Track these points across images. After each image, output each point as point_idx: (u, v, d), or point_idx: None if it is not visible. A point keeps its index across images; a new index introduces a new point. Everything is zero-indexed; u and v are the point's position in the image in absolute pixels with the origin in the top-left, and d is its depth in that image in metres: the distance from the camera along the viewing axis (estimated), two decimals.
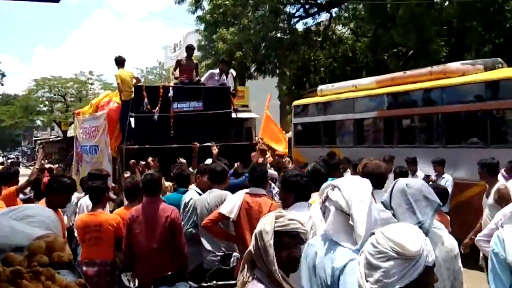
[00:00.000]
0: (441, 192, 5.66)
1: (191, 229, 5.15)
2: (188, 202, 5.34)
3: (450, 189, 8.06)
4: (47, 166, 14.08)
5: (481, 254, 5.17)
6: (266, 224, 2.27)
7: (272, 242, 2.23)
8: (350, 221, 2.60)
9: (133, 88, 9.62)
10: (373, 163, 3.84)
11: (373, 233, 2.14)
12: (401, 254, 1.95)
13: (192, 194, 5.50)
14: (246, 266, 2.35)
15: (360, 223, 2.56)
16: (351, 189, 2.70)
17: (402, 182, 2.86)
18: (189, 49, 10.77)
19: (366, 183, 2.76)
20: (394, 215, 2.78)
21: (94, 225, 4.95)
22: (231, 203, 4.55)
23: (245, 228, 4.42)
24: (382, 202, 2.89)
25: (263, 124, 11.14)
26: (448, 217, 5.74)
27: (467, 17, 15.01)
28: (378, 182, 3.47)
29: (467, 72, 9.80)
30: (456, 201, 8.81)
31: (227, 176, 5.58)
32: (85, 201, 6.13)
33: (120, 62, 9.86)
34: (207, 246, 4.91)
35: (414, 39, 14.73)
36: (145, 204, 4.82)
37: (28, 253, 2.76)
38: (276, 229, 2.27)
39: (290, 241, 2.30)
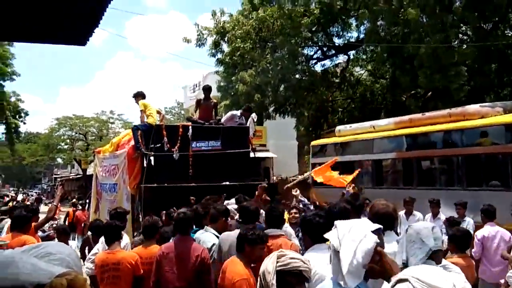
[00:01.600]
0: (463, 235, 5.58)
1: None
2: (211, 248, 5.21)
3: (471, 232, 7.90)
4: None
5: None
6: (268, 265, 2.28)
7: (274, 282, 2.22)
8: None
9: (157, 117, 9.80)
10: (381, 204, 3.81)
11: (403, 280, 2.11)
12: None
13: (211, 238, 5.32)
14: None
15: (344, 260, 2.53)
16: (346, 228, 2.70)
17: (412, 224, 3.00)
18: (206, 89, 10.94)
19: (366, 223, 2.73)
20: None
21: (113, 263, 4.93)
22: None
23: None
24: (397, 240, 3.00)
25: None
26: (473, 262, 5.64)
27: (485, 59, 15.06)
28: (386, 223, 3.44)
29: (487, 115, 9.77)
30: None
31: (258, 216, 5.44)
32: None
33: (140, 94, 10.07)
34: None
35: (437, 80, 14.77)
36: (176, 242, 4.81)
37: None
38: (278, 268, 2.28)
39: (292, 280, 2.28)
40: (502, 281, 5.57)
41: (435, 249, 2.90)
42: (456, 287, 2.01)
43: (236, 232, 5.04)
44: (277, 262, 2.32)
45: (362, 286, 2.55)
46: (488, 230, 6.94)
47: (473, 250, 7.51)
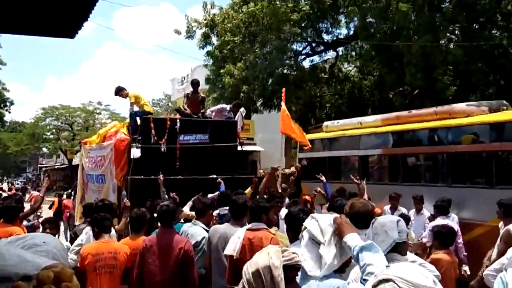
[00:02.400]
0: (448, 232, 5.68)
1: (201, 269, 5.07)
2: (201, 241, 5.25)
3: (456, 228, 8.05)
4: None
5: None
6: (274, 259, 2.19)
7: (282, 276, 2.16)
8: (320, 250, 2.70)
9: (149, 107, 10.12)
10: (360, 202, 3.85)
11: (386, 280, 2.14)
12: None
13: (200, 231, 5.38)
14: None
15: (329, 252, 2.65)
16: (328, 221, 2.81)
17: (377, 218, 3.03)
18: (194, 84, 10.94)
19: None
20: None
21: (109, 252, 4.89)
22: (233, 242, 4.55)
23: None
24: (364, 235, 3.02)
25: (281, 120, 10.26)
26: (456, 259, 5.74)
27: (472, 59, 15.23)
28: (363, 221, 3.51)
29: (472, 113, 9.88)
30: None
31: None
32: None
33: (122, 89, 10.20)
34: (219, 282, 4.79)
35: (422, 78, 14.92)
36: (159, 235, 4.82)
37: (36, 283, 2.78)
38: (284, 263, 2.24)
39: (293, 274, 2.28)
40: None
41: (399, 241, 2.96)
42: (436, 283, 2.06)
43: (225, 226, 5.09)
44: (282, 257, 2.30)
45: (332, 276, 2.64)
46: (438, 222, 7.57)
47: (424, 238, 7.83)
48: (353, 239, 2.62)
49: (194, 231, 5.32)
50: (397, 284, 2.03)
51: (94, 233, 5.27)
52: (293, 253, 2.37)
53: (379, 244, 2.75)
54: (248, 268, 2.17)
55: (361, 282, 2.47)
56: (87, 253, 4.87)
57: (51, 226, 5.16)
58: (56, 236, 5.56)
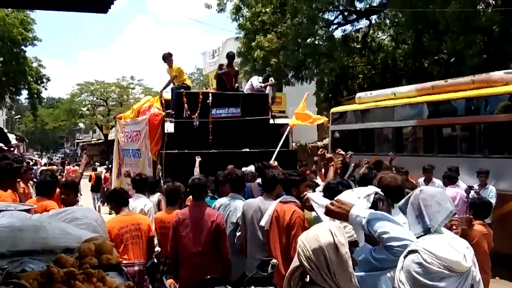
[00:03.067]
0: (484, 204, 5.58)
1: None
2: (219, 208, 5.35)
3: (494, 201, 7.92)
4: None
5: None
6: (339, 237, 2.08)
7: (349, 254, 2.09)
8: None
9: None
10: (389, 176, 3.77)
11: (413, 251, 2.13)
12: (456, 271, 1.97)
13: (239, 203, 5.40)
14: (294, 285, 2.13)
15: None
16: (365, 193, 2.82)
17: (418, 189, 2.86)
18: (229, 56, 10.93)
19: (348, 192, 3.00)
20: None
21: (132, 224, 5.02)
22: (268, 214, 4.66)
23: (272, 236, 4.51)
24: (399, 207, 2.91)
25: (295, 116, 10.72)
26: (491, 231, 5.65)
27: (510, 25, 14.60)
28: (394, 195, 3.45)
29: (511, 82, 9.57)
30: (498, 213, 8.59)
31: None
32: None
33: (171, 54, 10.53)
34: (255, 254, 4.85)
35: (462, 43, 14.41)
36: (191, 208, 4.92)
37: (78, 255, 2.91)
38: (348, 239, 2.14)
39: (352, 250, 2.19)
40: None
41: (454, 212, 2.85)
42: (466, 258, 2.03)
43: (258, 199, 5.16)
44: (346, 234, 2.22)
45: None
46: (449, 192, 7.97)
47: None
48: (359, 211, 2.60)
49: (237, 205, 5.38)
50: (421, 256, 2.04)
51: (113, 206, 5.39)
52: (351, 228, 2.30)
53: (434, 214, 2.63)
54: (306, 245, 2.07)
55: (386, 249, 2.44)
56: (112, 226, 4.96)
57: (65, 191, 5.25)
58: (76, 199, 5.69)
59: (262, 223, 4.63)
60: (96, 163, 23.87)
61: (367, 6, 21.16)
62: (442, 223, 2.65)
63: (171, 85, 10.64)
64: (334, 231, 2.09)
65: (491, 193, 8.31)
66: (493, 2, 16.26)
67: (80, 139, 64.44)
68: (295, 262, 2.11)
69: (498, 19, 14.38)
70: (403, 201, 2.89)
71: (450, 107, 11.01)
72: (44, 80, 35.24)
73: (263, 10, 19.45)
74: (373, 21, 21.90)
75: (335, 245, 2.04)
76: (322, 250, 2.03)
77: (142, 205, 5.76)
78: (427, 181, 9.23)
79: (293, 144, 22.16)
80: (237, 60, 21.52)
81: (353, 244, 2.14)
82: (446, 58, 18.22)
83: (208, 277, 4.07)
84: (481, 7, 15.34)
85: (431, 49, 16.83)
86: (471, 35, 14.31)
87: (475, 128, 10.24)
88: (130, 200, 6.01)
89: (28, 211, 3.50)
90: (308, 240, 2.09)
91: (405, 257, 2.23)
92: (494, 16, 14.54)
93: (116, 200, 5.28)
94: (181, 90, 10.20)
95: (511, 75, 9.75)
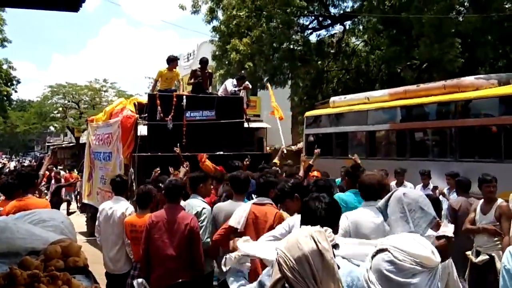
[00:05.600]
0: (432, 201, 5.66)
1: (208, 239, 5.07)
2: (201, 211, 5.25)
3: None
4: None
5: None
6: (323, 242, 1.94)
7: (334, 259, 2.00)
8: None
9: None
10: (367, 174, 3.87)
11: (382, 250, 2.11)
12: (427, 266, 1.96)
13: (200, 203, 5.33)
14: None
15: None
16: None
17: (400, 191, 2.84)
18: (203, 62, 10.82)
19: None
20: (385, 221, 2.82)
21: (139, 226, 5.10)
22: (238, 214, 4.56)
23: (252, 239, 4.45)
24: (376, 207, 2.90)
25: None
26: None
27: (483, 30, 14.93)
28: (369, 193, 3.62)
29: (481, 87, 9.76)
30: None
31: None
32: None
33: (168, 60, 10.39)
34: (224, 254, 4.79)
35: (436, 50, 14.67)
36: (166, 210, 4.83)
37: (44, 257, 2.81)
38: (331, 243, 2.06)
39: (333, 254, 2.11)
40: None
41: (436, 217, 2.85)
42: (434, 254, 2.03)
43: (228, 203, 5.11)
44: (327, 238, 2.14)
45: None
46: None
47: None
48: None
49: (194, 203, 5.30)
50: (392, 254, 2.02)
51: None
52: (330, 233, 2.23)
53: (418, 220, 2.64)
54: (287, 254, 1.96)
55: None
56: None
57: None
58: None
59: (233, 223, 4.53)
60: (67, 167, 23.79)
61: (341, 11, 21.41)
62: (426, 229, 2.67)
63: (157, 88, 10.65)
64: (316, 236, 1.99)
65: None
66: (464, 10, 16.61)
67: (51, 142, 63.20)
68: (276, 274, 2.00)
69: (471, 25, 14.66)
70: (382, 201, 2.87)
71: (422, 112, 11.17)
72: (14, 82, 34.50)
73: (238, 14, 19.42)
74: (347, 27, 22.15)
75: (320, 251, 1.95)
76: (306, 258, 1.94)
77: (123, 208, 5.59)
78: (399, 184, 9.32)
79: (268, 148, 22.24)
80: (212, 63, 21.48)
81: (334, 247, 2.09)
82: (419, 64, 18.53)
83: (180, 280, 4.00)
84: (453, 14, 15.60)
85: (404, 55, 17.08)
86: (448, 40, 14.55)
87: (446, 132, 10.41)
88: (109, 202, 5.90)
89: None
90: (289, 249, 1.99)
91: (373, 256, 2.19)
92: (466, 23, 14.85)
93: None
94: (155, 93, 10.10)
95: (482, 81, 9.96)
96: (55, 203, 9.37)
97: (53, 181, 17.15)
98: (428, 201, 2.80)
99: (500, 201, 5.80)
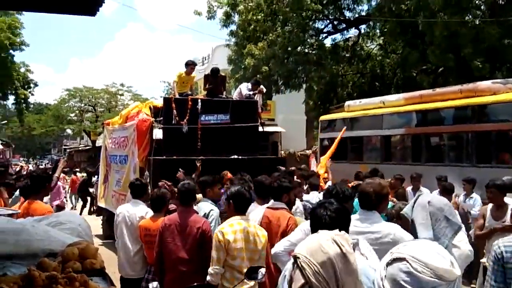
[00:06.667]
0: None
1: None
2: (209, 213, 5.28)
3: (477, 209, 7.95)
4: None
5: None
6: (345, 246, 2.02)
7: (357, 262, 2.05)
8: None
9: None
10: (366, 182, 3.78)
11: (400, 259, 2.09)
12: (447, 280, 1.93)
13: (208, 205, 5.41)
14: None
15: None
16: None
17: (425, 197, 2.83)
18: (213, 71, 10.80)
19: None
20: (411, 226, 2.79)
21: (153, 230, 5.13)
22: (253, 218, 4.62)
23: None
24: (402, 214, 2.89)
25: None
26: None
27: (502, 35, 14.75)
28: (364, 201, 3.53)
29: (498, 91, 9.65)
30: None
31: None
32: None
33: (186, 64, 10.44)
34: None
35: (451, 58, 14.60)
36: (179, 214, 4.86)
37: (61, 259, 2.85)
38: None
39: None
40: None
41: (461, 226, 2.83)
42: (454, 265, 2.00)
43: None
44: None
45: None
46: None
47: None
48: None
49: (202, 206, 5.38)
50: (410, 264, 1.98)
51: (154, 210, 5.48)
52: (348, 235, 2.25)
53: (444, 230, 2.65)
54: (311, 259, 1.98)
55: None
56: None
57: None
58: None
59: None
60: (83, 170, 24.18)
61: (356, 15, 21.34)
62: (452, 238, 2.65)
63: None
64: (339, 240, 2.03)
65: (475, 202, 8.32)
66: (481, 13, 16.43)
67: (68, 145, 63.91)
68: (298, 281, 2.00)
69: (495, 32, 14.48)
70: (408, 207, 2.86)
71: (438, 116, 11.08)
72: (32, 85, 34.92)
73: (254, 18, 19.49)
74: (362, 30, 22.09)
75: (344, 254, 1.98)
76: (331, 261, 1.96)
77: (143, 212, 5.60)
78: (415, 190, 9.24)
79: (282, 152, 22.24)
80: (228, 68, 21.59)
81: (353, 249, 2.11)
82: (434, 68, 18.39)
83: (195, 284, 4.01)
84: (469, 18, 15.46)
85: (414, 60, 16.99)
86: (471, 46, 14.47)
87: (463, 137, 10.30)
88: (127, 205, 5.93)
89: (11, 215, 3.43)
90: (312, 254, 2.01)
91: (388, 264, 2.16)
92: (490, 28, 14.68)
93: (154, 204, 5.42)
94: (170, 96, 10.15)
95: (498, 85, 9.85)
96: None
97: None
98: (453, 210, 2.79)
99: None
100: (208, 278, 4.08)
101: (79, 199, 19.01)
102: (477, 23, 15.49)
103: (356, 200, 4.97)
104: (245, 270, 3.98)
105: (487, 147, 9.81)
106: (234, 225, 4.20)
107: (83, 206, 17.93)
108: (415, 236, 2.78)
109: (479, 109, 9.93)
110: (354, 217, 3.55)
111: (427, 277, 1.93)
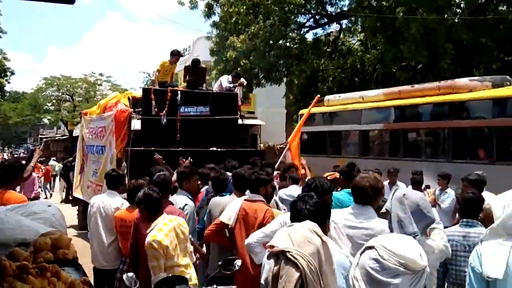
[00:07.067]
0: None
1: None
2: (183, 207, 5.12)
3: (447, 203, 8.12)
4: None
5: None
6: (323, 235, 2.13)
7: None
8: None
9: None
10: (360, 176, 3.78)
11: (370, 247, 2.12)
12: (411, 269, 1.96)
13: (183, 199, 5.30)
14: None
15: None
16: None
17: (400, 191, 2.87)
18: (194, 63, 10.75)
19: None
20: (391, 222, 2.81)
21: (129, 221, 5.01)
22: (230, 210, 4.61)
23: (239, 235, 4.48)
24: (386, 209, 2.91)
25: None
26: None
27: (479, 34, 14.98)
28: (359, 196, 3.54)
29: (475, 89, 9.81)
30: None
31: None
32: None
33: (171, 54, 10.36)
34: (222, 252, 4.78)
35: (425, 55, 14.79)
36: None
37: (33, 249, 2.80)
38: None
39: None
40: None
41: (435, 219, 2.87)
42: (422, 257, 2.04)
43: (227, 198, 5.12)
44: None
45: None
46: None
47: None
48: None
49: (178, 199, 5.30)
50: (378, 252, 2.04)
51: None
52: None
53: (419, 222, 2.66)
54: (302, 251, 2.06)
55: None
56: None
57: None
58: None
59: (225, 219, 4.57)
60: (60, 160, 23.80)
61: (338, 10, 21.42)
62: (423, 230, 2.69)
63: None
64: (318, 230, 2.12)
65: (450, 196, 8.42)
66: (461, 11, 16.64)
67: (44, 135, 62.90)
68: (291, 276, 2.05)
69: (466, 31, 14.68)
70: (388, 202, 2.88)
71: (416, 112, 11.21)
72: (8, 74, 34.24)
73: (236, 10, 19.40)
74: (344, 26, 22.18)
75: (325, 242, 2.09)
76: (318, 251, 2.07)
77: (118, 203, 5.50)
78: (392, 184, 9.35)
79: (261, 145, 22.27)
80: (210, 59, 21.47)
81: None
82: (414, 65, 18.59)
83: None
84: (449, 15, 15.65)
85: (395, 56, 17.14)
86: (439, 50, 14.67)
87: (440, 133, 10.45)
88: (102, 196, 5.85)
89: None
90: (300, 246, 2.09)
91: (361, 253, 2.22)
92: (462, 28, 14.89)
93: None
94: (149, 87, 10.05)
95: (476, 82, 10.01)
96: None
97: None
98: (429, 204, 2.83)
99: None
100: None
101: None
102: (456, 21, 15.70)
103: (341, 193, 5.01)
104: (181, 262, 4.07)
105: (463, 143, 9.97)
106: (163, 228, 4.13)
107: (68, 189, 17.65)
108: (392, 231, 2.81)
109: (456, 106, 10.07)
110: (346, 210, 3.57)
111: (391, 264, 1.98)
